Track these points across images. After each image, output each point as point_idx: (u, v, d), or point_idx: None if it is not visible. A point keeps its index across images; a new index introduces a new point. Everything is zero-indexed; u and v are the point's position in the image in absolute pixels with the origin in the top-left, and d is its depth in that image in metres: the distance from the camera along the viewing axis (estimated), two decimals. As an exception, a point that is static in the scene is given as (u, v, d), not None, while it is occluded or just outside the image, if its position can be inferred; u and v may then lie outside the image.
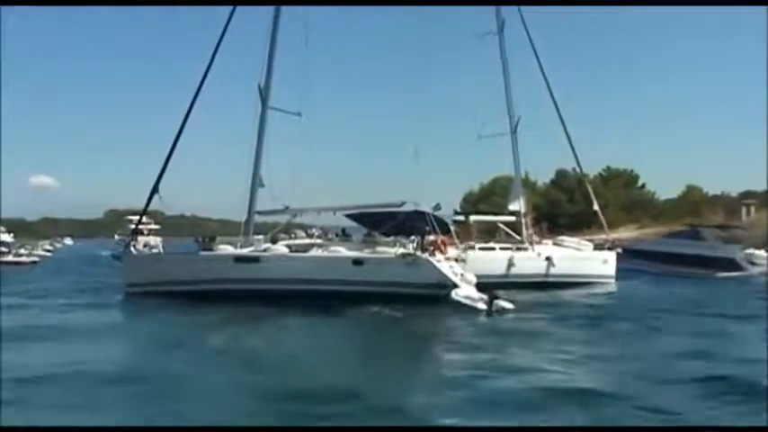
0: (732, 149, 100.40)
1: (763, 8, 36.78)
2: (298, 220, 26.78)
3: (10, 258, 47.63)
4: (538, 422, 8.44)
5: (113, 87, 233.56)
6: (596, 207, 30.97)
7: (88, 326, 17.83)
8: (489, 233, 32.21)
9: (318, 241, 24.25)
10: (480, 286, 20.77)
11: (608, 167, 63.55)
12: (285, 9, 25.65)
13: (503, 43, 30.49)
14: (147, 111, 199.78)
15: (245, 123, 25.66)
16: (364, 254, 21.81)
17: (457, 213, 40.11)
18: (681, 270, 30.86)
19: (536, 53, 29.64)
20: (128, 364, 12.68)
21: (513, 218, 30.25)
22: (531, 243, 29.02)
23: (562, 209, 56.81)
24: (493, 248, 28.09)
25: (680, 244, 33.27)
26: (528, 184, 32.52)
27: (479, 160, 69.55)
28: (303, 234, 25.86)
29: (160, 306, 20.49)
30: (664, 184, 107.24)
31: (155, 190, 24.95)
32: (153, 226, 41.46)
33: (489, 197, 56.59)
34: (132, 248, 25.73)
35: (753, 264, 32.20)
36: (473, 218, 31.52)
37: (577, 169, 34.19)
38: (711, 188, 61.43)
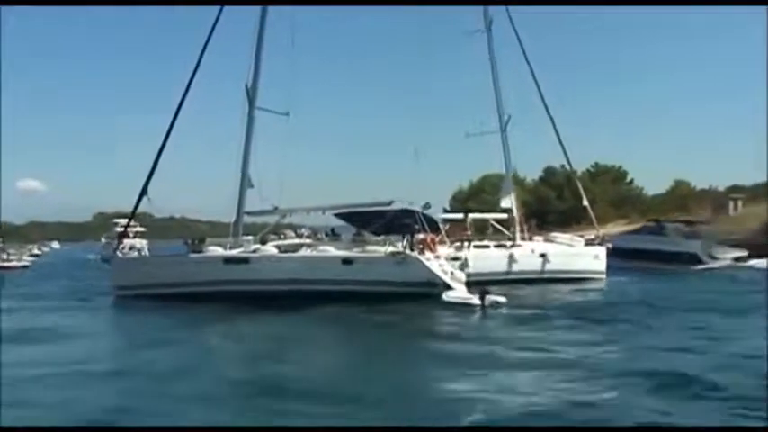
0: (719, 145, 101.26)
1: (763, 8, 36.99)
2: (287, 220, 26.78)
3: (1, 263, 47.64)
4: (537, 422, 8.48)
5: (102, 89, 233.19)
6: (586, 203, 31.10)
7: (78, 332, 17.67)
8: (479, 230, 32.25)
9: (308, 241, 24.23)
10: (480, 284, 20.95)
11: (596, 164, 63.89)
12: (272, 9, 25.61)
13: (491, 42, 30.59)
14: (136, 112, 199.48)
15: (233, 124, 25.70)
16: (354, 253, 21.82)
17: (446, 211, 40.13)
18: (647, 265, 31.08)
19: (524, 51, 29.72)
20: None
21: (506, 215, 30.35)
22: (524, 240, 29.12)
23: (551, 205, 57.04)
24: (487, 246, 28.18)
25: (644, 240, 33.66)
26: (517, 182, 32.59)
27: (468, 159, 69.90)
28: (292, 234, 25.85)
29: (149, 309, 20.61)
30: (652, 180, 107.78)
31: (143, 192, 24.80)
32: (139, 229, 41.41)
33: (478, 195, 56.85)
34: (119, 252, 25.62)
35: (714, 258, 32.92)
36: (471, 216, 31.57)
37: (566, 166, 34.28)
38: (699, 183, 61.95)
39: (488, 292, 19.54)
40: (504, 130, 30.44)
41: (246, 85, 25.29)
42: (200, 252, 23.56)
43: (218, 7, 25.05)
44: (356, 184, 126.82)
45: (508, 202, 30.37)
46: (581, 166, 54.29)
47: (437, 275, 20.78)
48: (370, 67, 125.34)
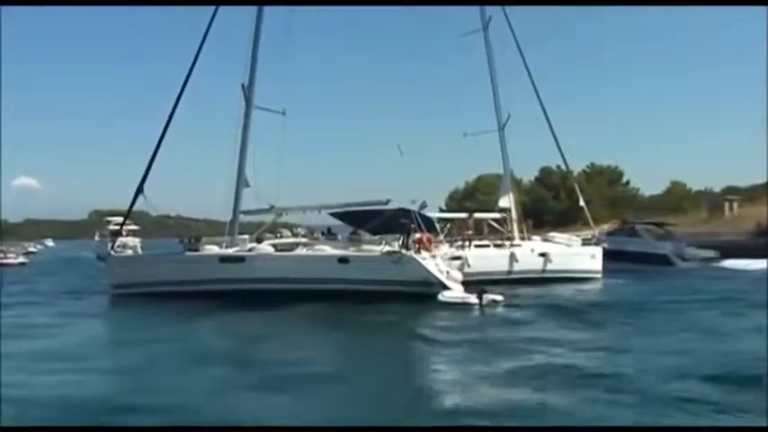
0: (715, 146, 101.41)
1: (763, 8, 37.04)
2: (283, 219, 26.81)
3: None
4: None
5: (98, 87, 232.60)
6: (582, 203, 31.13)
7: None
8: (476, 230, 32.21)
9: (304, 240, 24.21)
10: (481, 284, 20.95)
11: (592, 164, 63.98)
12: (268, 9, 25.59)
13: (488, 41, 30.59)
14: (133, 111, 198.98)
15: (229, 123, 25.61)
16: (350, 252, 21.80)
17: (442, 211, 40.11)
18: (621, 266, 31.19)
19: (520, 51, 29.75)
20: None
21: (505, 215, 30.35)
22: (523, 239, 29.16)
23: (547, 205, 57.03)
24: (488, 245, 28.17)
25: (619, 242, 33.88)
26: (513, 182, 32.56)
27: (465, 158, 69.79)
28: (289, 233, 25.81)
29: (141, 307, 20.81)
30: (648, 181, 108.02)
31: (139, 190, 24.78)
32: (132, 227, 41.46)
33: (474, 195, 56.91)
34: (113, 250, 25.61)
35: (684, 259, 33.81)
36: (476, 215, 31.53)
37: (562, 166, 34.31)
38: (695, 184, 62.12)
39: (486, 291, 19.56)
40: (502, 129, 30.47)
41: (243, 84, 25.27)
42: (196, 251, 23.54)
43: (213, 7, 25.05)
44: (352, 182, 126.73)
45: (507, 201, 30.38)
46: (577, 166, 54.56)
47: (433, 275, 20.77)
48: (368, 66, 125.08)
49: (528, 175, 62.72)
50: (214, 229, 31.26)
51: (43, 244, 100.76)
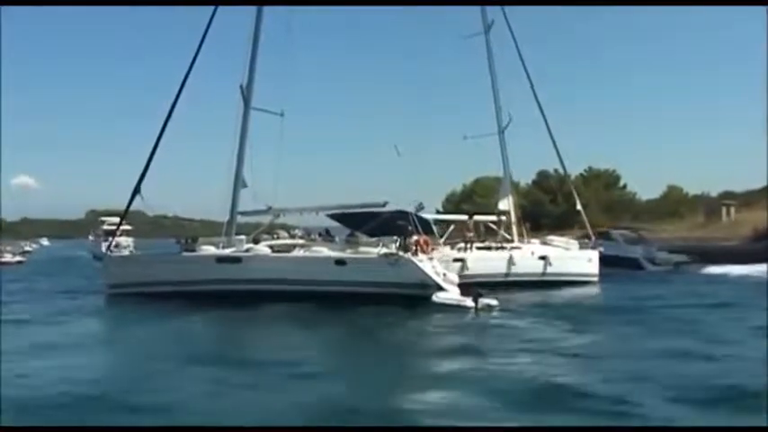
0: (715, 147, 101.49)
1: (763, 8, 37.04)
2: (280, 220, 26.73)
3: None
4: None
5: (97, 87, 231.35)
6: (579, 207, 31.16)
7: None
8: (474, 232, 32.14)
9: (301, 241, 24.14)
10: (481, 286, 21.00)
11: (589, 168, 63.87)
12: (268, 9, 25.55)
13: (489, 44, 30.60)
14: (132, 111, 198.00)
15: (227, 123, 25.54)
16: (347, 254, 21.76)
17: (438, 212, 40.12)
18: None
19: (520, 54, 29.80)
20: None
21: (506, 217, 30.35)
22: (521, 242, 29.16)
23: (544, 209, 57.00)
24: (489, 248, 28.11)
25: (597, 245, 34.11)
26: (511, 185, 32.59)
27: (464, 160, 69.66)
28: (286, 234, 25.74)
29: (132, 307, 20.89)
30: (646, 185, 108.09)
31: (136, 191, 24.68)
32: (125, 227, 41.56)
33: (471, 197, 56.89)
34: (108, 250, 25.56)
35: (654, 263, 34.91)
36: (477, 217, 31.52)
37: (560, 170, 34.34)
38: (692, 188, 62.16)
39: (481, 295, 19.54)
40: (502, 132, 30.47)
41: (241, 85, 25.22)
42: (192, 251, 23.49)
43: (212, 7, 25.01)
44: (351, 184, 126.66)
45: (506, 204, 30.37)
46: (574, 170, 54.52)
47: (430, 277, 20.74)
48: (368, 67, 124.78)
49: (525, 178, 62.78)
50: (210, 229, 31.26)
51: (38, 243, 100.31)
